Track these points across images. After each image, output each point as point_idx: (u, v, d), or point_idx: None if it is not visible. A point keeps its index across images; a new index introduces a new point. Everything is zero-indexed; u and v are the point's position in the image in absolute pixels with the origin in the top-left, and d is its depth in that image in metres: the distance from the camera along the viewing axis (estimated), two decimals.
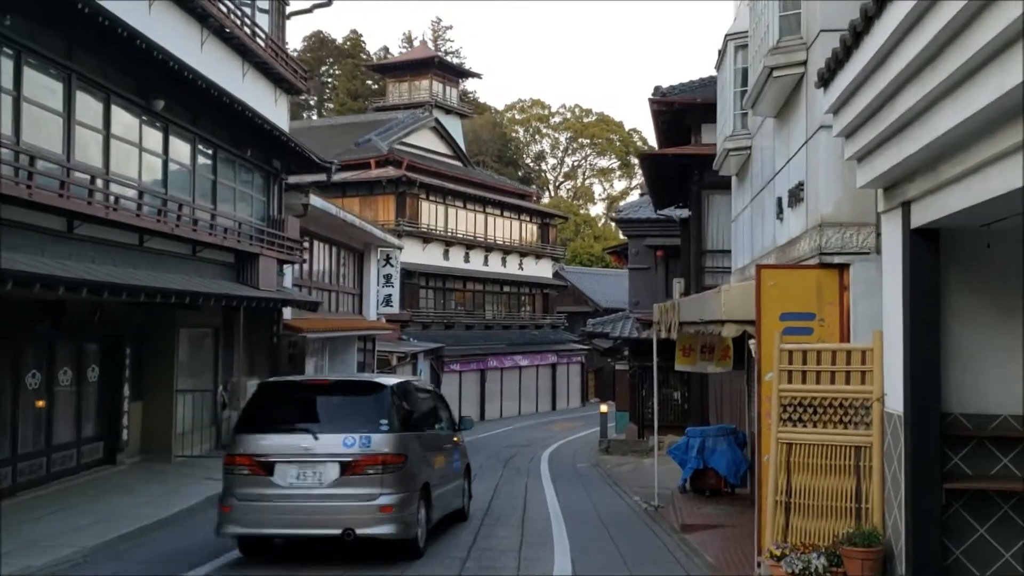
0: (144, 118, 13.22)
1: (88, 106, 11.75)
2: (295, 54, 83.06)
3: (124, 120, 12.67)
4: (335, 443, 9.01)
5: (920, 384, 5.98)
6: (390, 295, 29.96)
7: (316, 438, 9.06)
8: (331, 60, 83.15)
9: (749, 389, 13.68)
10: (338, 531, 8.87)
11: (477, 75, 60.05)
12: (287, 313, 19.98)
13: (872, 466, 6.62)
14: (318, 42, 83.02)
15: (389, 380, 10.34)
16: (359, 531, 8.86)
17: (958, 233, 6.07)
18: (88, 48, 11.46)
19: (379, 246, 29.20)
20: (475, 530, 11.87)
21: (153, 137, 13.60)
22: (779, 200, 9.15)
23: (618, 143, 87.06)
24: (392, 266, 29.93)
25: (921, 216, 5.83)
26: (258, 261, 16.65)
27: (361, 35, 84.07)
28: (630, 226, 29.53)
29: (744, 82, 11.53)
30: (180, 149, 14.50)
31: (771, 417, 7.14)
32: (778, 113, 9.27)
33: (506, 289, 48.53)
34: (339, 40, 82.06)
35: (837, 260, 7.34)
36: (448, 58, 60.52)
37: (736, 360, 14.40)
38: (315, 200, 20.36)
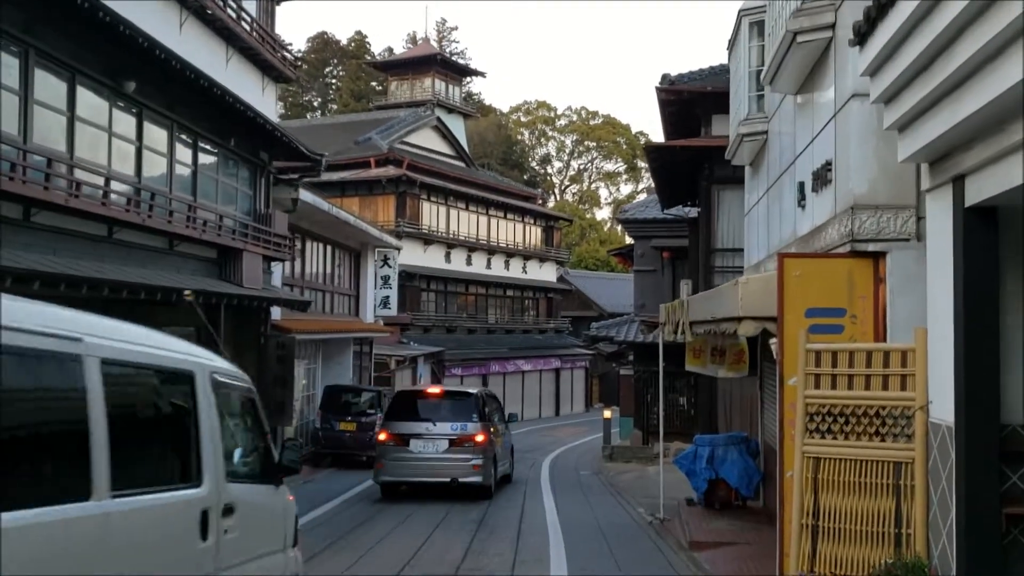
0: (114, 101, 12.33)
1: (49, 85, 10.86)
2: (299, 55, 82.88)
3: (91, 102, 11.77)
4: (446, 428, 15.24)
5: (975, 390, 5.06)
6: (388, 297, 29.07)
7: (434, 424, 15.30)
8: (335, 61, 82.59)
9: (762, 395, 12.75)
10: (447, 479, 15.00)
11: (481, 73, 59.34)
12: (276, 313, 19.09)
13: (915, 485, 5.70)
14: (322, 43, 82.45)
15: (473, 390, 16.71)
16: (460, 479, 14.99)
17: (1018, 213, 5.15)
18: (49, 23, 10.57)
19: (376, 246, 28.32)
20: (466, 544, 10.97)
21: (125, 122, 12.71)
22: (800, 186, 8.24)
23: (625, 146, 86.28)
24: (390, 267, 29.05)
25: (978, 191, 4.91)
26: (242, 257, 15.74)
27: (366, 36, 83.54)
28: (636, 226, 28.63)
29: (760, 61, 10.63)
30: (156, 136, 13.61)
31: (795, 427, 6.21)
32: (800, 87, 8.35)
33: (509, 293, 47.63)
34: (343, 41, 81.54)
35: (872, 248, 6.42)
36: (452, 58, 59.62)
37: (750, 364, 13.49)
38: (305, 195, 19.46)
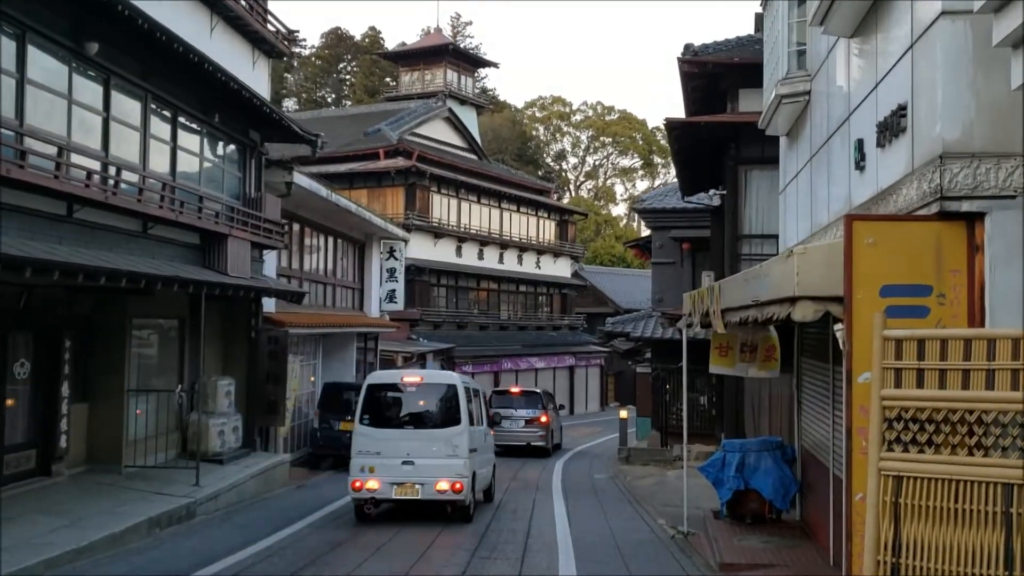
0: (75, 65, 11.08)
1: None
2: (311, 50, 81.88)
3: (46, 64, 10.52)
4: (523, 413, 24.57)
5: None
6: (394, 291, 27.75)
7: (515, 410, 24.53)
8: (348, 57, 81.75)
9: (799, 394, 11.37)
10: (524, 444, 24.22)
11: (494, 64, 57.73)
12: (269, 305, 17.83)
13: None
14: (336, 39, 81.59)
15: (538, 390, 27.04)
16: (532, 444, 24.43)
17: None
18: None
19: (382, 237, 27.02)
20: (463, 564, 9.64)
21: (89, 89, 11.45)
22: (859, 144, 6.86)
23: (641, 142, 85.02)
24: (396, 259, 27.73)
25: None
26: (226, 243, 14.47)
27: (380, 32, 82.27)
28: (654, 216, 27.23)
29: (800, 12, 9.24)
30: (126, 107, 12.36)
31: (868, 437, 4.85)
32: (858, 27, 6.96)
33: (522, 288, 46.26)
34: (357, 37, 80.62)
35: (966, 208, 5.05)
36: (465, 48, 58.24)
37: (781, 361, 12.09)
38: (301, 179, 18.17)
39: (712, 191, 16.18)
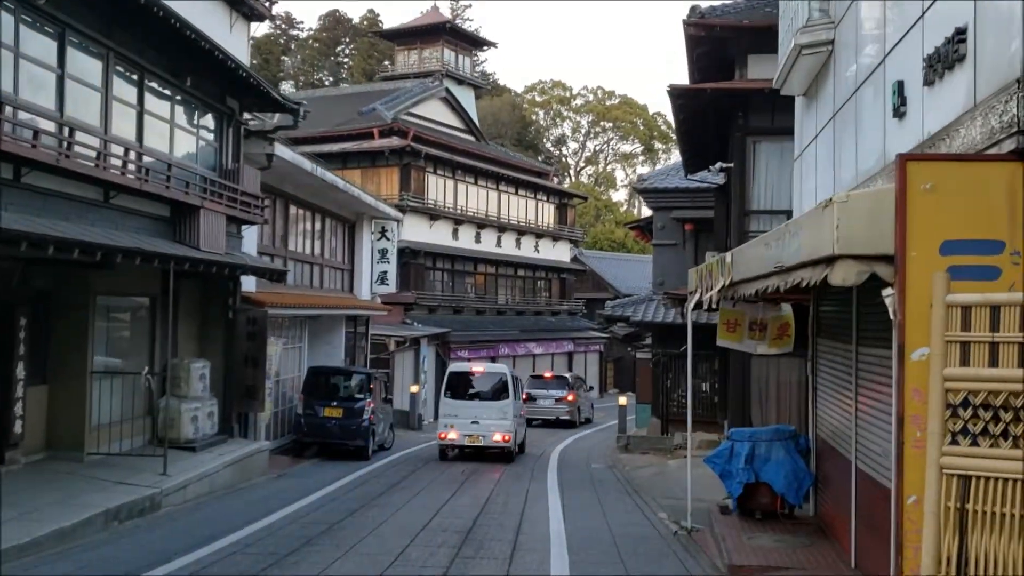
0: (24, 17, 10.09)
1: None
2: (309, 33, 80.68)
3: None
4: (554, 393, 30.79)
5: None
6: (386, 272, 26.80)
7: (548, 391, 30.83)
8: (347, 40, 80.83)
9: (815, 379, 10.45)
10: (553, 418, 30.41)
11: (492, 44, 56.55)
12: (249, 284, 16.87)
13: None
14: (334, 21, 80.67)
15: (567, 375, 33.59)
16: (560, 418, 30.52)
17: None
18: None
19: (374, 217, 26.03)
20: (443, 567, 8.72)
21: (39, 43, 10.46)
22: (898, 87, 5.90)
23: (642, 127, 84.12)
24: (388, 240, 26.77)
25: None
26: (198, 216, 13.51)
27: (378, 15, 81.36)
28: (655, 196, 26.22)
29: None
30: (84, 65, 11.36)
31: (927, 427, 3.92)
32: None
33: (520, 272, 45.31)
34: (356, 20, 79.65)
35: None
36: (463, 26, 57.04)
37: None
38: (283, 151, 17.18)
39: (720, 164, 15.19)
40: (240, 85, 14.78)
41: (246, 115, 16.43)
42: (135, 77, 12.60)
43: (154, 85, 13.16)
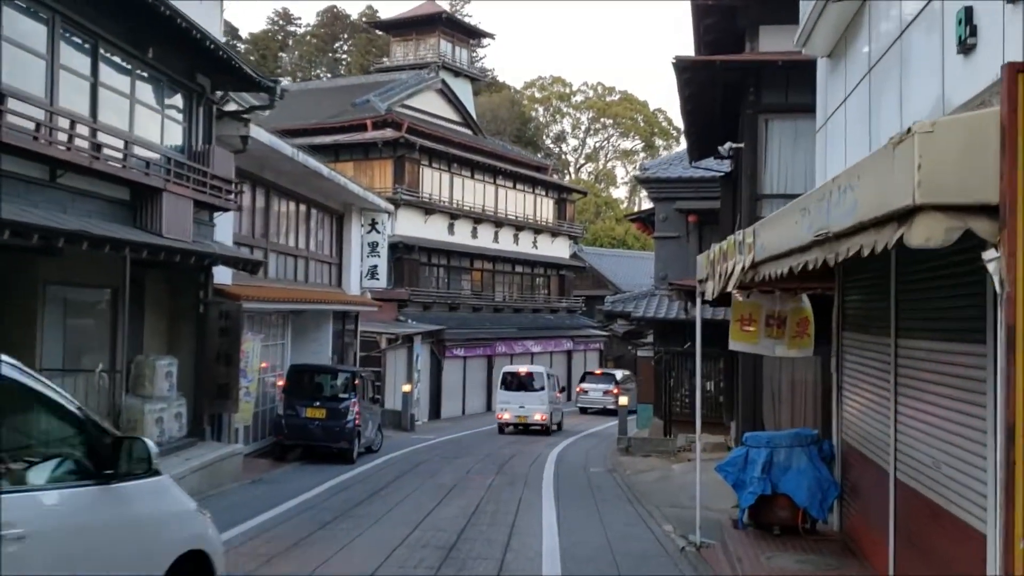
0: None
1: None
2: (307, 28, 79.63)
3: None
4: (602, 387, 37.10)
5: None
6: (376, 266, 25.64)
7: (596, 384, 37.81)
8: (345, 36, 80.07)
9: (840, 377, 9.32)
10: (601, 407, 36.16)
11: (490, 35, 55.45)
12: (225, 277, 15.75)
13: None
14: (332, 17, 79.91)
15: (618, 373, 38.21)
16: (606, 407, 35.13)
17: None
18: None
19: (363, 208, 24.89)
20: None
21: None
22: (964, 15, 4.77)
23: (642, 124, 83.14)
24: (379, 232, 25.61)
25: None
26: (161, 199, 12.37)
27: (377, 11, 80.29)
28: (658, 187, 25.12)
29: None
30: (25, 28, 10.23)
31: None
32: None
33: (518, 269, 44.19)
34: (354, 16, 79.00)
35: None
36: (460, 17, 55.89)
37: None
38: (260, 133, 16.03)
39: (729, 144, 14.06)
40: (210, 60, 13.62)
41: (220, 94, 15.30)
42: (87, 46, 11.45)
43: (111, 56, 12.01)
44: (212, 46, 12.89)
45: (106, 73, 11.88)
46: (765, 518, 9.27)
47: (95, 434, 4.70)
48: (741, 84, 13.32)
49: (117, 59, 12.20)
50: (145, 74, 12.88)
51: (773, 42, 13.35)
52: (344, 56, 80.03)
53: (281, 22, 79.56)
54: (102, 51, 11.75)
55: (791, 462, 9.05)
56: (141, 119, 12.81)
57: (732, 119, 15.29)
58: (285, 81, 64.05)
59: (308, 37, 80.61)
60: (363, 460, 18.14)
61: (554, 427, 27.75)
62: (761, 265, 6.03)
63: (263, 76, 14.82)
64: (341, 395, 18.37)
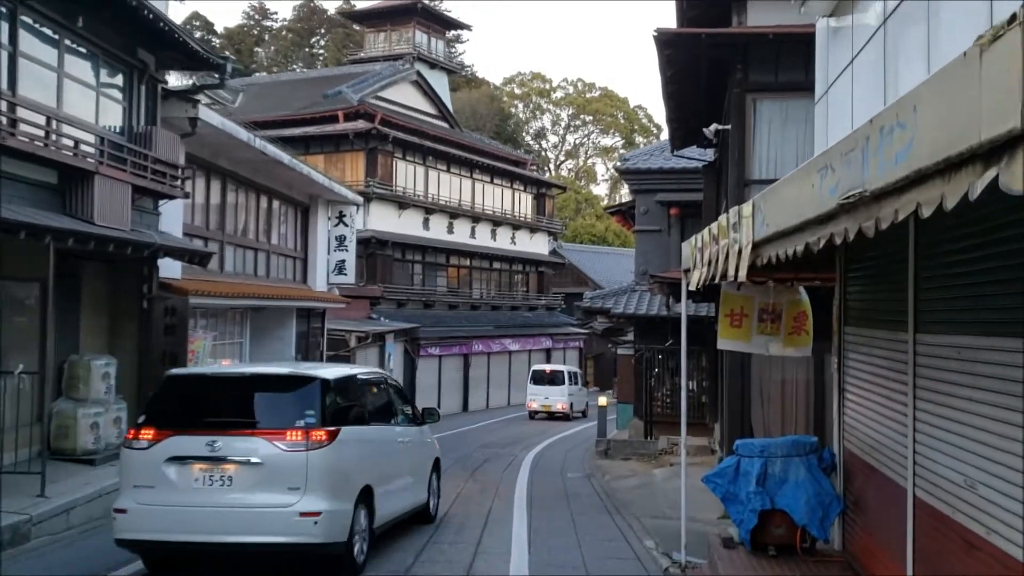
0: None
1: None
2: (283, 23, 78.27)
3: None
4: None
5: None
6: (344, 261, 24.53)
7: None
8: (322, 31, 78.87)
9: (841, 377, 8.31)
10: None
11: (467, 26, 54.29)
12: (174, 270, 14.62)
13: None
14: (308, 12, 78.62)
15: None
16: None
17: None
18: None
19: (330, 200, 23.77)
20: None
21: None
22: None
23: (623, 120, 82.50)
24: (347, 225, 24.50)
25: None
26: (93, 183, 11.24)
27: (354, 6, 79.05)
28: (638, 178, 24.16)
29: None
30: None
31: None
32: None
33: (496, 265, 43.16)
34: (331, 11, 77.73)
35: None
36: (435, 7, 54.73)
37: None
38: (211, 115, 14.89)
39: (714, 125, 13.08)
40: (151, 33, 12.50)
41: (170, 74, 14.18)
42: (3, 10, 10.31)
43: (33, 23, 10.87)
44: (151, 15, 11.75)
45: (27, 42, 10.74)
46: (758, 536, 8.25)
47: (412, 406, 10.69)
48: (728, 62, 12.33)
49: (43, 28, 11.06)
50: (75, 45, 11.73)
51: (763, 15, 12.37)
52: (321, 52, 78.92)
53: (257, 16, 78.21)
54: (23, 17, 10.61)
55: (788, 474, 8.03)
56: (71, 96, 11.68)
57: (717, 103, 14.32)
58: (261, 76, 62.78)
59: (284, 32, 79.39)
60: None
61: (576, 414, 33.43)
62: (763, 246, 5.01)
63: (211, 52, 13.71)
64: None
